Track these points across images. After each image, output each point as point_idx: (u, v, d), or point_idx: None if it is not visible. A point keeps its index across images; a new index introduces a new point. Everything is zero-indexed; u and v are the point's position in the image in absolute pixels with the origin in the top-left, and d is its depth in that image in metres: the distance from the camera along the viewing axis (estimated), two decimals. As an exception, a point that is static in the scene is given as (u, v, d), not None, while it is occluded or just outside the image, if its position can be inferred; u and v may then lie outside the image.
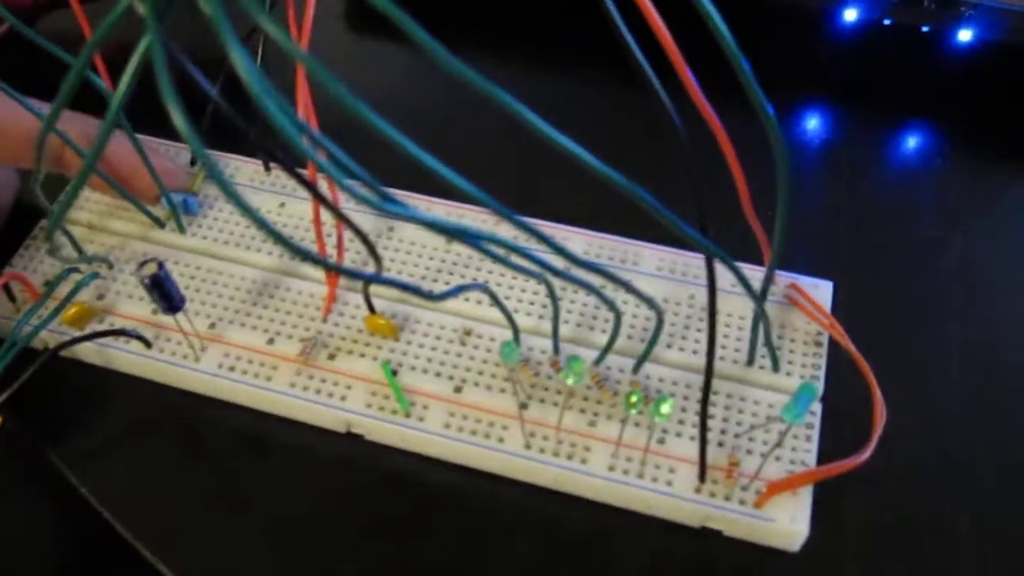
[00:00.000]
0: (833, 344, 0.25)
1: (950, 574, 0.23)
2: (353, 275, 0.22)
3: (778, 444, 0.22)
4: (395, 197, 0.16)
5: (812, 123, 0.32)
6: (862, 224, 0.29)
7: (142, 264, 0.23)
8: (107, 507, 0.24)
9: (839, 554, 0.23)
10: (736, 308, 0.26)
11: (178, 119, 0.14)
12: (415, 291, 0.19)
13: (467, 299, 0.26)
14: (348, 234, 0.27)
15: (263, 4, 0.14)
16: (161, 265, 0.23)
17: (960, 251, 0.29)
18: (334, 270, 0.23)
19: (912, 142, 0.32)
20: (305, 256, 0.16)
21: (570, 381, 0.21)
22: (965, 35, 0.31)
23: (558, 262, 0.19)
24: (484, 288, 0.22)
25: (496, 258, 0.18)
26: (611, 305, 0.22)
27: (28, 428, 0.25)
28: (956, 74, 0.32)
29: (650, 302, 0.22)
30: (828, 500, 0.23)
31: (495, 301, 0.23)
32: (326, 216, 0.26)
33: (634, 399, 0.21)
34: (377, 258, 0.22)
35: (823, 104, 0.33)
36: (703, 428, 0.22)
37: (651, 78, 0.18)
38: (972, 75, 0.32)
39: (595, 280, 0.20)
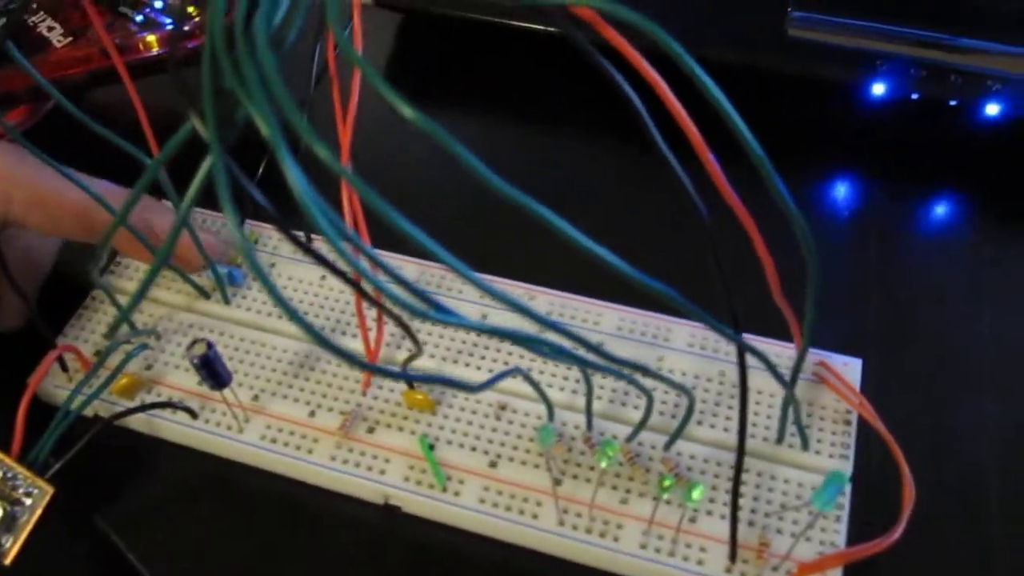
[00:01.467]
0: (863, 423, 0.26)
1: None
2: (388, 374, 0.23)
3: (809, 527, 0.22)
4: (444, 306, 0.17)
5: (840, 195, 0.33)
6: (891, 299, 0.30)
7: (193, 344, 0.23)
8: (152, 572, 0.25)
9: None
10: (766, 385, 0.26)
11: (234, 229, 0.15)
12: (456, 385, 0.20)
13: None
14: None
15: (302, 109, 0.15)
16: (211, 345, 0.23)
17: (991, 326, 0.29)
18: (369, 370, 0.24)
19: (941, 214, 0.32)
20: (337, 353, 0.16)
21: (603, 464, 0.22)
22: (992, 109, 0.31)
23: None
24: (522, 372, 0.23)
25: (537, 351, 0.19)
26: (643, 389, 0.23)
27: (78, 495, 0.26)
28: (984, 147, 0.33)
29: (680, 388, 0.23)
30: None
31: (532, 384, 0.23)
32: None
33: (667, 483, 0.22)
34: (416, 343, 0.23)
35: (851, 176, 0.33)
36: (734, 510, 0.22)
37: (679, 172, 0.18)
38: (1000, 148, 0.33)
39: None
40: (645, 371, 0.20)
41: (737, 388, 0.26)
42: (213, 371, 0.24)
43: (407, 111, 0.16)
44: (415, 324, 0.28)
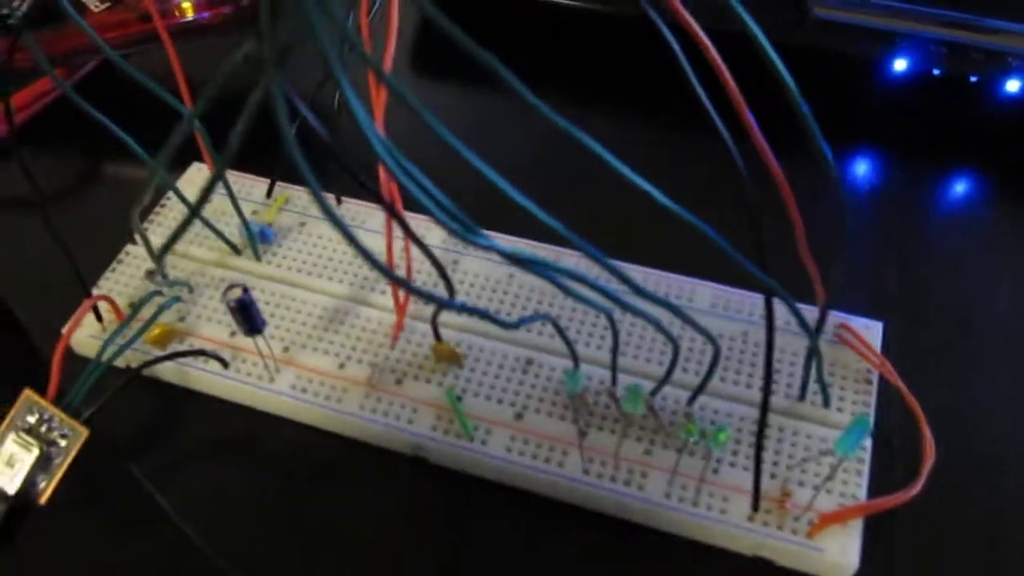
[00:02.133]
0: (883, 383, 0.26)
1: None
2: (429, 297, 0.24)
3: (830, 477, 0.23)
4: (480, 230, 0.17)
5: (862, 170, 0.33)
6: (910, 270, 0.30)
7: (228, 288, 0.24)
8: (184, 518, 0.25)
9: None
10: (788, 344, 0.27)
11: (304, 170, 0.15)
12: (490, 318, 0.20)
13: (529, 329, 0.27)
14: (415, 266, 0.28)
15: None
16: (246, 290, 0.24)
17: (1009, 300, 0.29)
18: (413, 291, 0.24)
19: (960, 189, 0.32)
20: (390, 276, 0.17)
21: (629, 408, 0.22)
22: (1013, 85, 0.32)
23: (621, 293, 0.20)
24: (550, 319, 0.24)
25: (565, 289, 0.19)
26: (669, 337, 0.23)
27: (112, 443, 0.27)
28: (1004, 123, 0.33)
29: (708, 335, 0.23)
30: (878, 534, 0.24)
31: (559, 332, 0.24)
32: (396, 248, 0.27)
33: (692, 427, 0.22)
34: (450, 284, 0.23)
35: (874, 151, 0.34)
36: (758, 458, 0.23)
37: (719, 124, 0.19)
38: (1020, 125, 0.33)
39: (655, 313, 0.21)
40: (678, 312, 0.20)
41: (760, 348, 0.27)
42: (248, 315, 0.24)
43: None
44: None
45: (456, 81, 0.38)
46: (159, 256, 0.26)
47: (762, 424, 0.22)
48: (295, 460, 0.26)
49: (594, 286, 0.19)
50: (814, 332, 0.23)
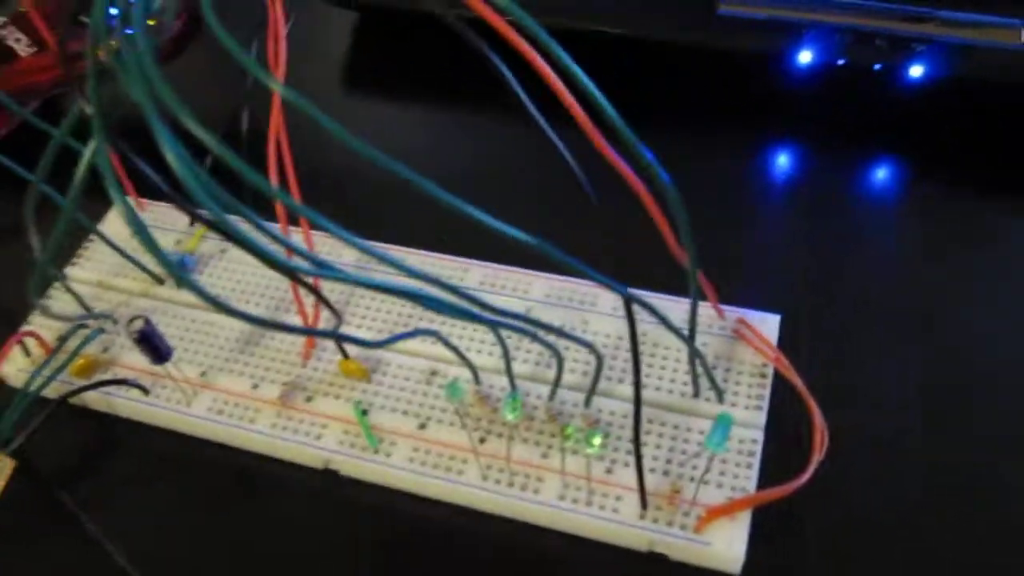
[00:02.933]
0: (780, 376, 0.27)
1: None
2: (292, 331, 0.24)
3: (707, 471, 0.23)
4: (328, 262, 0.18)
5: (768, 162, 0.34)
6: (817, 259, 0.31)
7: (131, 320, 0.25)
8: (112, 543, 0.27)
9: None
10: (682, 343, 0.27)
11: (118, 200, 0.16)
12: (356, 341, 0.21)
13: (435, 342, 0.28)
14: (327, 284, 0.29)
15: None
16: (147, 321, 0.25)
17: (916, 281, 0.30)
18: (285, 330, 0.25)
19: (867, 176, 0.33)
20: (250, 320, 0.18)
21: (510, 416, 0.23)
22: (916, 71, 0.32)
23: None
24: (435, 334, 0.24)
25: (433, 310, 0.20)
26: (551, 348, 0.24)
27: (41, 473, 0.28)
28: (910, 109, 0.34)
29: (587, 345, 0.24)
30: (776, 526, 0.25)
31: (446, 345, 0.25)
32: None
33: (569, 431, 0.23)
34: (335, 312, 0.24)
35: (779, 143, 0.34)
36: (638, 457, 0.23)
37: (543, 124, 0.19)
38: (925, 110, 0.34)
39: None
40: (543, 326, 0.21)
41: (658, 348, 0.28)
42: (152, 345, 0.25)
43: (274, 85, 0.17)
44: (353, 301, 0.29)
45: (387, 97, 0.39)
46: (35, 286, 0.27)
47: (637, 423, 0.23)
48: (216, 480, 0.28)
49: (444, 305, 0.20)
50: (688, 336, 0.24)
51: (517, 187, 0.34)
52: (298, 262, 0.18)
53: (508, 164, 0.35)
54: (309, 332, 0.24)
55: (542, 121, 0.20)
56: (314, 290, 0.23)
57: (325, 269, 0.18)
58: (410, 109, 0.39)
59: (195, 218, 0.18)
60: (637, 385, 0.22)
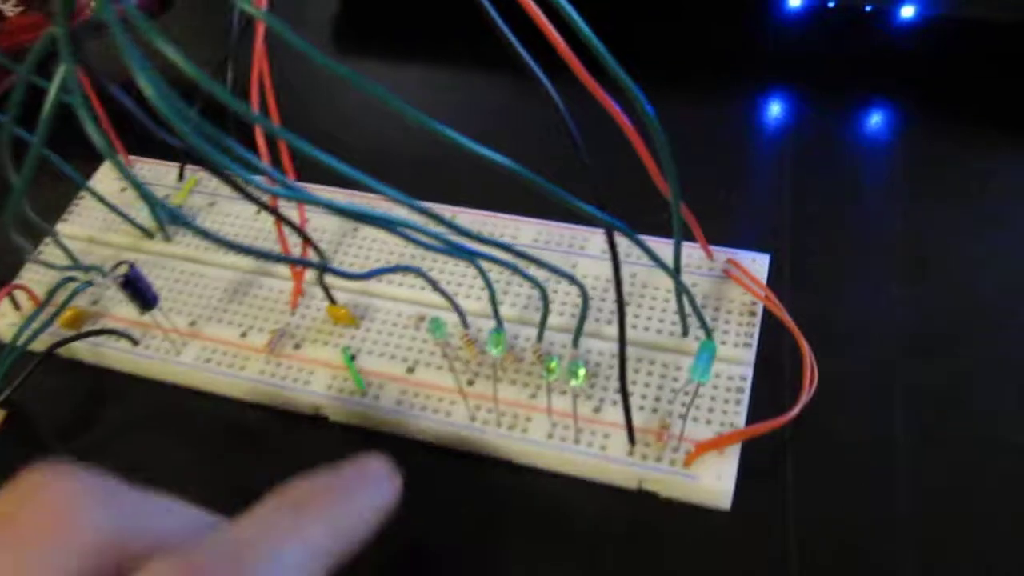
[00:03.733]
0: (770, 315, 0.27)
1: (886, 525, 0.24)
2: (279, 260, 0.24)
3: (692, 403, 0.23)
4: (294, 185, 0.18)
5: (758, 105, 0.33)
6: (807, 201, 0.30)
7: (115, 267, 0.25)
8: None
9: (775, 511, 0.24)
10: (671, 282, 0.27)
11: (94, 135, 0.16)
12: (340, 274, 0.21)
13: (423, 288, 0.28)
14: (316, 234, 0.29)
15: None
16: (132, 266, 0.25)
17: (906, 222, 0.29)
18: (272, 259, 0.25)
19: (858, 119, 0.32)
20: (233, 247, 0.18)
21: (493, 351, 0.23)
22: (908, 11, 0.32)
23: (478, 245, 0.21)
24: (418, 271, 0.24)
25: (412, 240, 0.20)
26: (535, 283, 0.24)
27: (33, 423, 0.28)
28: (901, 50, 0.33)
29: (571, 279, 0.24)
30: (766, 461, 0.24)
31: (428, 281, 0.25)
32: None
33: (553, 365, 0.23)
34: (319, 252, 0.24)
35: (769, 87, 0.34)
36: (624, 393, 0.23)
37: (535, 68, 0.19)
38: (916, 52, 0.33)
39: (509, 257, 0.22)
40: (526, 257, 0.21)
41: (647, 288, 0.27)
42: (137, 291, 0.25)
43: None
44: (343, 247, 0.29)
45: (380, 58, 0.39)
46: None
47: (622, 359, 0.23)
48: (206, 428, 0.28)
49: (425, 233, 0.20)
50: (673, 269, 0.23)
51: (513, 140, 0.34)
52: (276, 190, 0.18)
53: (503, 120, 0.35)
54: (297, 261, 0.23)
55: (526, 56, 0.20)
56: (299, 230, 0.23)
57: (298, 192, 0.18)
58: (401, 67, 0.39)
59: (179, 168, 0.17)
60: (621, 317, 0.22)
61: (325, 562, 0.16)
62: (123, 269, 0.25)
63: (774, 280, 0.27)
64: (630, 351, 0.26)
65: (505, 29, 0.19)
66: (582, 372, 0.22)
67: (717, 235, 0.28)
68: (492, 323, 0.27)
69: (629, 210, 0.25)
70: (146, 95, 0.16)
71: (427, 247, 0.21)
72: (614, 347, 0.26)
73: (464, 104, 0.37)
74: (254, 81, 0.26)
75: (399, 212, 0.19)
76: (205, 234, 0.18)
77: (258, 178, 0.18)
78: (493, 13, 0.19)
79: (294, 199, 0.18)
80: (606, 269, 0.28)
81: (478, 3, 0.19)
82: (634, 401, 0.25)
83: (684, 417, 0.24)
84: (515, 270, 0.23)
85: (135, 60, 0.15)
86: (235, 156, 0.17)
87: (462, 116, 0.36)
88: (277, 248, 0.29)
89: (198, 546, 0.15)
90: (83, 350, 0.28)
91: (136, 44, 0.16)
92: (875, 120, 0.32)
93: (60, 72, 0.18)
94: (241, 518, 0.17)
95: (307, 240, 0.23)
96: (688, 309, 0.26)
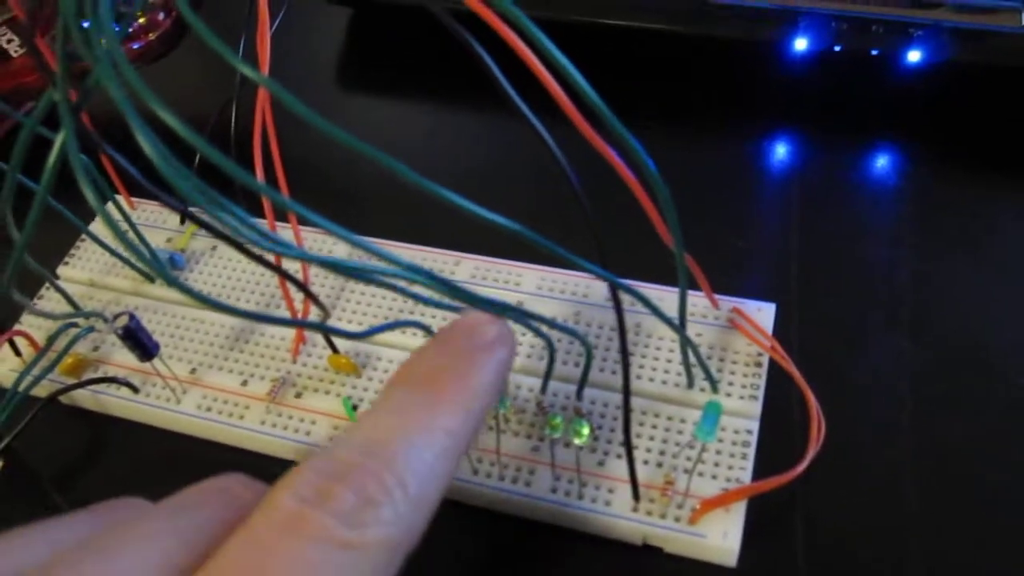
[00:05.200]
0: (776, 366, 0.26)
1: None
2: (278, 323, 0.24)
3: (698, 461, 0.23)
4: (279, 238, 0.18)
5: (764, 150, 0.33)
6: (813, 247, 0.30)
7: (116, 317, 0.25)
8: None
9: (784, 568, 0.24)
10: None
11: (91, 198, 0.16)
12: (340, 333, 0.21)
13: (425, 337, 0.28)
14: (319, 280, 0.29)
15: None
16: (132, 316, 0.25)
17: (912, 270, 0.29)
18: (274, 323, 0.25)
19: (863, 164, 0.32)
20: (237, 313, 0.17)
21: (499, 408, 0.23)
22: (914, 56, 0.31)
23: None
24: (418, 324, 0.24)
25: (412, 296, 0.20)
26: (544, 337, 0.24)
27: (34, 472, 0.28)
28: (908, 94, 0.33)
29: (575, 335, 0.23)
30: (773, 517, 0.24)
31: (430, 335, 0.24)
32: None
33: (556, 422, 0.22)
34: (321, 307, 0.24)
35: (775, 131, 0.34)
36: (628, 448, 0.23)
37: (528, 114, 0.19)
38: (923, 95, 0.33)
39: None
40: (533, 316, 0.21)
41: (652, 338, 0.27)
42: (138, 341, 0.25)
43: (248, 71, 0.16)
44: (343, 298, 0.29)
45: (382, 94, 0.39)
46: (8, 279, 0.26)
47: (626, 412, 0.22)
48: (204, 477, 0.27)
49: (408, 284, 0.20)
50: (679, 324, 0.23)
51: (511, 182, 0.34)
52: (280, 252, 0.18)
53: (503, 160, 0.35)
54: (295, 323, 0.23)
55: (527, 112, 0.19)
56: (302, 285, 0.23)
57: (299, 251, 0.18)
58: (404, 106, 0.39)
59: (181, 213, 0.17)
60: (626, 372, 0.22)
61: (463, 447, 0.17)
62: (122, 321, 0.25)
63: (780, 329, 0.27)
64: (634, 402, 0.26)
65: (506, 84, 0.19)
66: (586, 431, 0.22)
67: (723, 282, 0.27)
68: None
69: (633, 257, 0.25)
70: (145, 153, 0.16)
71: (426, 302, 0.21)
72: (618, 398, 0.26)
73: (469, 140, 0.37)
74: (257, 125, 0.26)
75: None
76: (190, 292, 0.17)
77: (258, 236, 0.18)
78: (493, 67, 0.18)
79: (295, 258, 0.18)
80: (610, 317, 0.28)
81: (478, 59, 0.18)
82: (638, 455, 0.25)
83: (690, 472, 0.23)
84: (526, 325, 0.22)
85: (134, 120, 0.15)
86: (235, 215, 0.17)
87: (467, 152, 0.36)
88: (279, 294, 0.29)
89: (340, 444, 0.15)
90: (84, 397, 0.28)
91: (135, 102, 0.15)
92: (882, 165, 0.32)
93: (60, 137, 0.17)
94: (372, 412, 0.17)
95: (309, 295, 0.23)
96: (693, 360, 0.26)
